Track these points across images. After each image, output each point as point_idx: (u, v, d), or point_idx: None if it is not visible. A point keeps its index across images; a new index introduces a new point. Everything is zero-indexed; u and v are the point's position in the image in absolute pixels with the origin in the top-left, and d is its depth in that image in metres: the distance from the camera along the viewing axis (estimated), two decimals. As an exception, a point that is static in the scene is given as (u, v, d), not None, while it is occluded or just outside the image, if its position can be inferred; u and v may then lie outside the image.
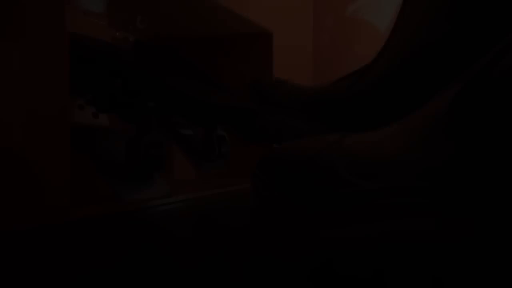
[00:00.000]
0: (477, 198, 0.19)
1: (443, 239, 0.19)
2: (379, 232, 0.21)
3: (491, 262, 0.18)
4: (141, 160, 0.47)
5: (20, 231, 0.35)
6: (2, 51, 0.35)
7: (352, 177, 0.23)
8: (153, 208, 0.47)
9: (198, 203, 0.53)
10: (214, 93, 0.49)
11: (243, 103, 0.49)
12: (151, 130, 0.49)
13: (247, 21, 0.69)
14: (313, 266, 0.23)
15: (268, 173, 0.27)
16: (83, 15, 0.58)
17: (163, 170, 0.51)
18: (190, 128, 0.63)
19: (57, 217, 0.38)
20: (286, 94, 0.51)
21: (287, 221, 0.24)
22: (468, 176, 0.19)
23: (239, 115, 0.48)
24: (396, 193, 0.21)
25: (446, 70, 0.36)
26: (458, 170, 0.20)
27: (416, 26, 0.40)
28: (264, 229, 0.27)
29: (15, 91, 0.35)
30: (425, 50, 0.38)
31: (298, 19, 0.91)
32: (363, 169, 0.23)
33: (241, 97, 0.51)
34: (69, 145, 0.38)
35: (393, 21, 0.43)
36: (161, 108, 0.48)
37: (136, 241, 0.34)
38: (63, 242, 0.34)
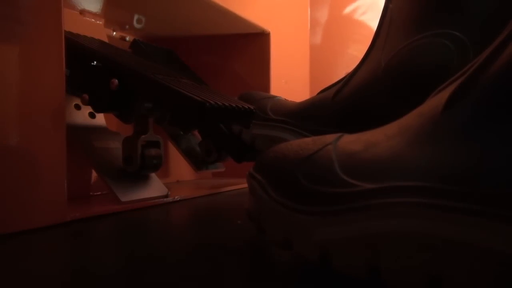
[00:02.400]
0: (474, 196, 0.19)
1: (441, 238, 0.19)
2: (375, 232, 0.21)
3: (491, 262, 0.18)
4: (138, 160, 0.47)
5: (16, 232, 0.35)
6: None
7: (348, 177, 0.23)
8: (151, 209, 0.47)
9: (196, 204, 0.53)
10: (212, 94, 0.49)
11: (241, 103, 0.49)
12: (148, 130, 0.49)
13: (245, 21, 0.69)
14: (309, 265, 0.23)
15: (264, 173, 0.27)
16: (79, 14, 0.58)
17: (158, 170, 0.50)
18: (188, 128, 0.63)
19: (54, 217, 0.38)
20: (273, 107, 0.52)
21: (283, 221, 0.24)
22: (465, 174, 0.19)
23: (238, 115, 0.47)
24: (392, 193, 0.21)
25: (428, 73, 0.37)
26: (454, 169, 0.20)
27: (393, 34, 0.41)
28: (261, 229, 0.27)
29: (10, 90, 0.35)
30: (402, 57, 0.39)
31: (295, 18, 0.91)
32: (359, 168, 0.23)
33: (237, 100, 0.51)
34: (65, 145, 0.38)
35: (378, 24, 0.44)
36: (158, 108, 0.48)
37: (134, 241, 0.34)
38: (60, 242, 0.34)
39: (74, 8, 0.56)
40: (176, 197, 0.52)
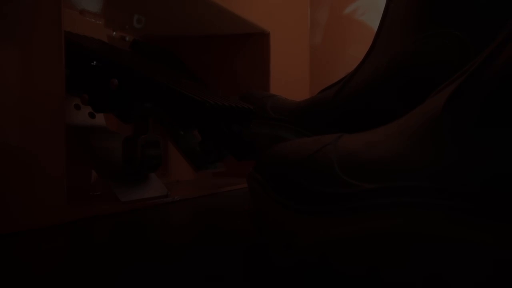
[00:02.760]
0: (474, 196, 0.19)
1: (441, 238, 0.19)
2: (375, 232, 0.21)
3: (490, 261, 0.18)
4: (138, 160, 0.47)
5: (15, 232, 0.35)
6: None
7: (348, 177, 0.23)
8: (151, 209, 0.47)
9: (196, 204, 0.53)
10: (212, 94, 0.49)
11: (240, 103, 0.49)
12: (148, 130, 0.49)
13: (244, 21, 0.69)
14: (309, 265, 0.23)
15: (264, 173, 0.27)
16: (79, 14, 0.58)
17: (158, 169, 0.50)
18: (188, 128, 0.63)
19: (54, 218, 0.38)
20: (274, 105, 0.52)
21: (283, 221, 0.24)
22: (465, 174, 0.19)
23: (237, 115, 0.47)
24: (392, 193, 0.21)
25: (428, 73, 0.37)
26: (453, 169, 0.20)
27: (395, 34, 0.41)
28: (261, 230, 0.27)
29: (10, 90, 0.35)
30: (403, 57, 0.39)
31: (295, 19, 0.91)
32: (359, 168, 0.23)
33: (237, 100, 0.51)
34: (65, 145, 0.38)
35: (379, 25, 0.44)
36: (158, 108, 0.48)
37: (133, 242, 0.34)
38: (60, 242, 0.34)
39: (74, 8, 0.56)
40: (176, 197, 0.52)
